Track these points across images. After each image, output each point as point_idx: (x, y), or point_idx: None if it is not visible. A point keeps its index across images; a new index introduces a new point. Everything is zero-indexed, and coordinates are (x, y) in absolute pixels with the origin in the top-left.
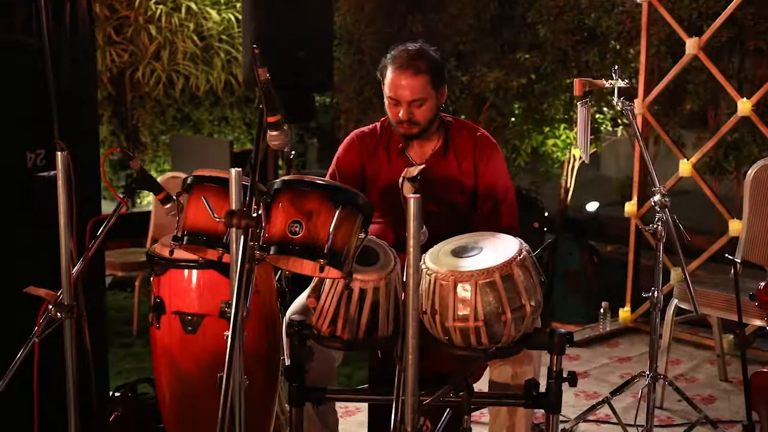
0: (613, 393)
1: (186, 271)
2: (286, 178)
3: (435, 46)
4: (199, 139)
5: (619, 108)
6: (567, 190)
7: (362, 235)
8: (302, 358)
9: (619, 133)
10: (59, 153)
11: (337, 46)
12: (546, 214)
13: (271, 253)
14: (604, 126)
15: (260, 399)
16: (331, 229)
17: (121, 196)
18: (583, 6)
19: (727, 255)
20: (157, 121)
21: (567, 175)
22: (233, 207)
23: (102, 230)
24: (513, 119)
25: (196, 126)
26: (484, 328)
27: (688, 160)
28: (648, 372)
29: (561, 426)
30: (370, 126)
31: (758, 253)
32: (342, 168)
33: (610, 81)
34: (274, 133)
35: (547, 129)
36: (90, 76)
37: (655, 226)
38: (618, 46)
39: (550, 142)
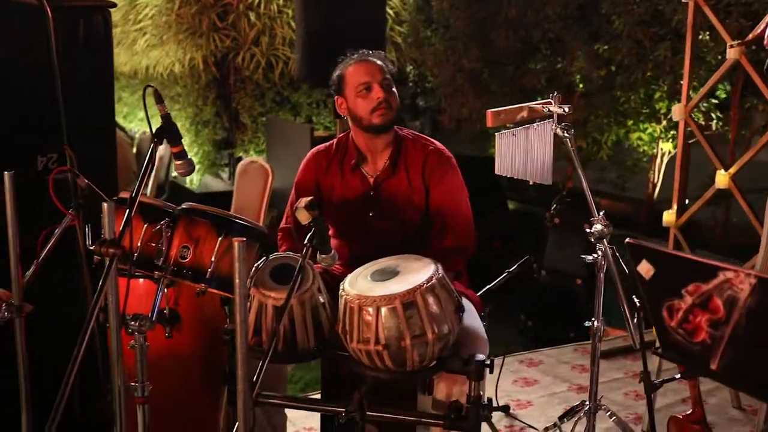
0: (561, 418)
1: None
2: (184, 205)
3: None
4: (287, 122)
5: (560, 133)
6: (654, 186)
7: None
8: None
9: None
10: (6, 174)
11: (434, 31)
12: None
13: (166, 274)
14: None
15: (202, 401)
16: (213, 257)
17: (71, 211)
18: None
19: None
20: (256, 103)
21: (655, 170)
22: (105, 236)
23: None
24: (593, 115)
25: (294, 108)
26: (386, 351)
27: (725, 171)
28: (588, 402)
29: None
30: (327, 144)
31: None
32: (299, 188)
33: (547, 107)
34: (179, 162)
35: (630, 122)
36: (105, 82)
37: (595, 257)
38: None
39: (635, 135)
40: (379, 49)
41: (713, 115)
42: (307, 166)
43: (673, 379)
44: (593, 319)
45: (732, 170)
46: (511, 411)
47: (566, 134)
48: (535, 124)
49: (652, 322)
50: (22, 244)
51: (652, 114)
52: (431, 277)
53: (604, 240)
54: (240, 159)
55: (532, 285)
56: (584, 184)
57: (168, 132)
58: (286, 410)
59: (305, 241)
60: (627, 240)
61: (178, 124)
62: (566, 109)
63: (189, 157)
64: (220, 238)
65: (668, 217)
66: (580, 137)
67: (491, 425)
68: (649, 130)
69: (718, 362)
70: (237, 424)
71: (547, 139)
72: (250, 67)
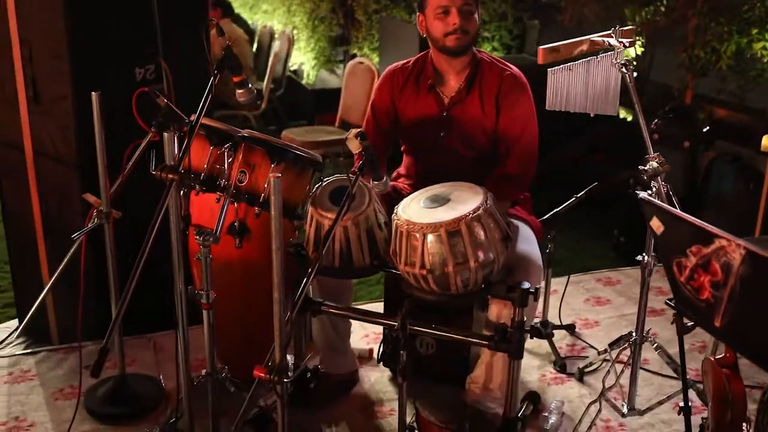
0: (611, 345)
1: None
2: (244, 133)
3: None
4: (398, 21)
5: (619, 68)
6: None
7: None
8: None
9: None
10: (93, 94)
11: None
12: (705, 129)
13: (227, 195)
14: None
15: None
16: (266, 183)
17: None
18: None
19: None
20: (372, 0)
21: None
22: (167, 162)
23: (135, 156)
24: (714, 22)
25: (409, 5)
26: (430, 275)
27: None
28: (635, 333)
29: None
30: (404, 61)
31: None
32: (375, 108)
33: (607, 40)
34: (240, 90)
35: (755, 31)
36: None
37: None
38: None
39: (759, 45)
40: None
41: None
42: (383, 86)
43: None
44: (644, 254)
45: None
46: (576, 330)
47: (625, 70)
48: (598, 57)
49: (667, 273)
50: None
51: None
52: (478, 207)
53: (659, 178)
54: (354, 56)
55: (631, 200)
56: (641, 117)
57: (230, 63)
58: None
59: (356, 169)
60: (640, 196)
61: (297, 20)
62: (627, 43)
63: (250, 86)
64: (273, 166)
65: (767, 141)
66: (698, 45)
67: (551, 343)
68: None
69: (720, 321)
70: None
71: (610, 71)
72: None
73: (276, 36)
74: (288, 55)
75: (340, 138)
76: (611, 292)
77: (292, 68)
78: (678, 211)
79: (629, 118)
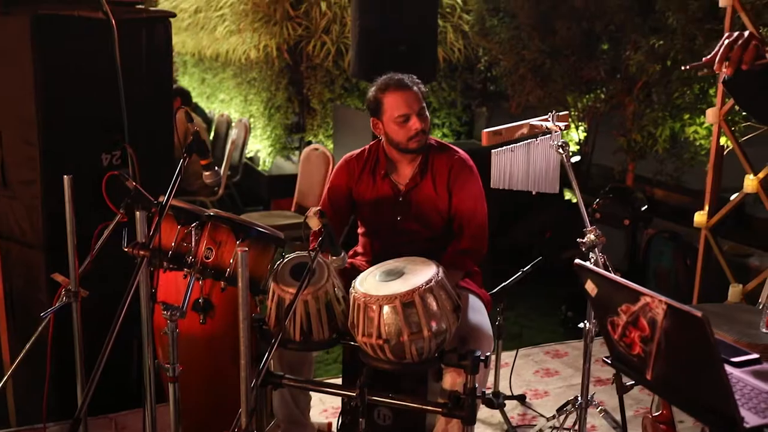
0: (558, 411)
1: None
2: (210, 212)
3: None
4: (351, 110)
5: (556, 151)
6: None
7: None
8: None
9: None
10: (66, 177)
11: (500, 20)
12: (644, 208)
13: (194, 272)
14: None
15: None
16: (233, 258)
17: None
18: None
19: None
20: (326, 90)
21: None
22: (138, 239)
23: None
24: (649, 108)
25: (363, 95)
26: (386, 345)
27: (755, 175)
28: (580, 398)
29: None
30: (359, 151)
31: None
32: (332, 192)
33: (545, 124)
34: (207, 173)
35: (686, 116)
36: (165, 87)
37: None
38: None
39: (690, 129)
40: (430, 46)
41: None
42: (339, 172)
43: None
44: (585, 320)
45: (761, 175)
46: (526, 400)
47: (561, 151)
48: (537, 139)
49: (602, 334)
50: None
51: (708, 108)
52: (431, 279)
53: (596, 249)
54: (310, 143)
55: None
56: (577, 194)
57: (198, 147)
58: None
59: (316, 246)
60: (575, 261)
61: (253, 108)
62: (562, 126)
63: (216, 168)
64: (238, 242)
65: (699, 218)
66: (635, 130)
67: (503, 413)
68: (706, 124)
69: (651, 373)
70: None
71: (550, 152)
72: (321, 54)
73: (233, 124)
74: (245, 143)
75: (297, 222)
76: (559, 364)
77: (248, 155)
78: (608, 273)
79: (574, 200)
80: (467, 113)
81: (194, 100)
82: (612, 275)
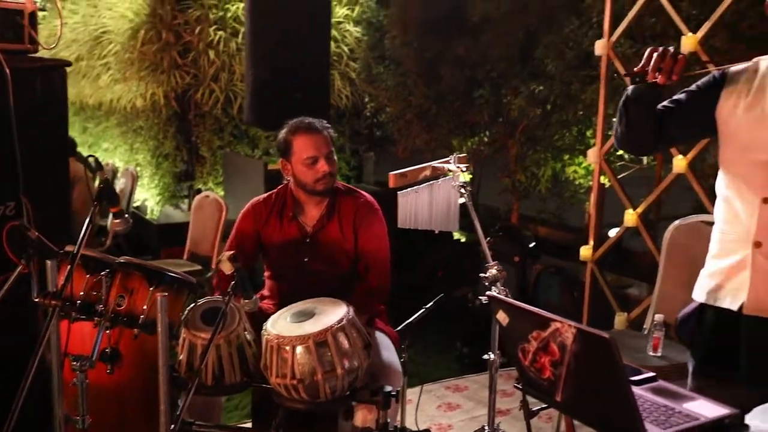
0: None
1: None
2: (121, 259)
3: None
4: (242, 157)
5: (457, 191)
6: (590, 216)
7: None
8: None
9: (644, 160)
10: None
11: (386, 67)
12: (531, 245)
13: (105, 320)
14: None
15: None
16: (145, 305)
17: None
18: (586, 44)
19: None
20: (215, 137)
21: (591, 202)
22: (49, 289)
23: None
24: (531, 150)
25: (253, 141)
26: (300, 385)
27: (634, 210)
28: (486, 427)
29: None
30: (266, 195)
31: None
32: (239, 235)
33: (446, 165)
34: (117, 220)
35: (566, 157)
36: (60, 136)
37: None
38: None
39: (570, 169)
40: (322, 93)
41: None
42: (246, 216)
43: (549, 406)
44: (490, 352)
45: (639, 209)
46: None
47: (462, 191)
48: (439, 181)
49: (511, 360)
50: None
51: (587, 149)
52: (342, 318)
53: (498, 283)
54: (199, 191)
55: (469, 313)
56: (479, 232)
57: (107, 194)
58: None
59: (228, 289)
60: (487, 293)
61: (140, 157)
62: (463, 168)
63: (126, 215)
64: (151, 289)
65: (584, 252)
66: (519, 171)
67: None
68: (584, 164)
69: (561, 395)
70: None
71: (450, 193)
72: (209, 102)
73: (119, 173)
74: (132, 192)
75: (192, 270)
76: (460, 398)
77: (135, 204)
78: (519, 303)
79: (463, 239)
80: (355, 158)
81: (78, 148)
82: (524, 305)
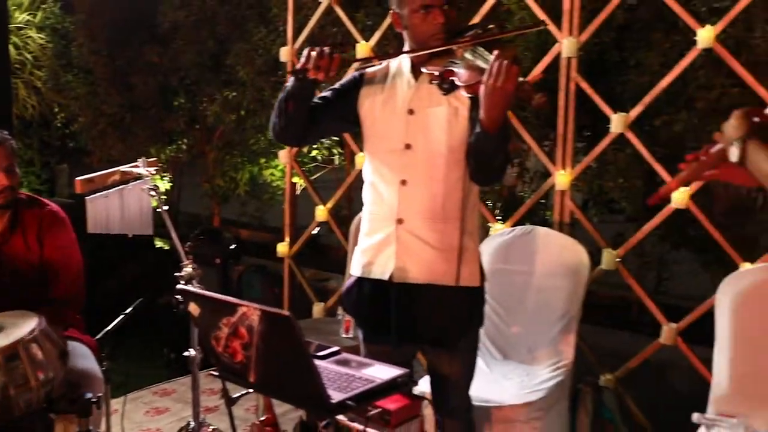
0: None
1: None
2: None
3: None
4: None
5: (148, 193)
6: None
7: None
8: None
9: (336, 161)
10: None
11: (75, 76)
12: (232, 246)
13: None
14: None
15: None
16: None
17: None
18: (274, 51)
19: None
20: None
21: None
22: None
23: None
24: (229, 155)
25: None
26: None
27: (324, 206)
28: (192, 422)
29: None
30: None
31: None
32: None
33: (136, 170)
34: None
35: (263, 160)
36: None
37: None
38: None
39: (267, 172)
40: (4, 103)
41: (335, 151)
42: None
43: (248, 392)
44: (190, 348)
45: (329, 205)
46: None
47: (153, 194)
48: (130, 185)
49: (207, 351)
50: None
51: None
52: (33, 329)
53: (194, 281)
54: None
55: (176, 319)
56: (173, 234)
57: None
58: None
59: None
60: (178, 286)
61: None
62: (153, 171)
63: None
64: None
65: (282, 248)
66: (218, 176)
67: None
68: (280, 166)
69: (254, 376)
70: None
71: (142, 196)
72: None
73: None
74: None
75: None
76: (169, 401)
77: None
78: (207, 292)
79: (166, 246)
80: (46, 171)
81: None
82: (212, 293)
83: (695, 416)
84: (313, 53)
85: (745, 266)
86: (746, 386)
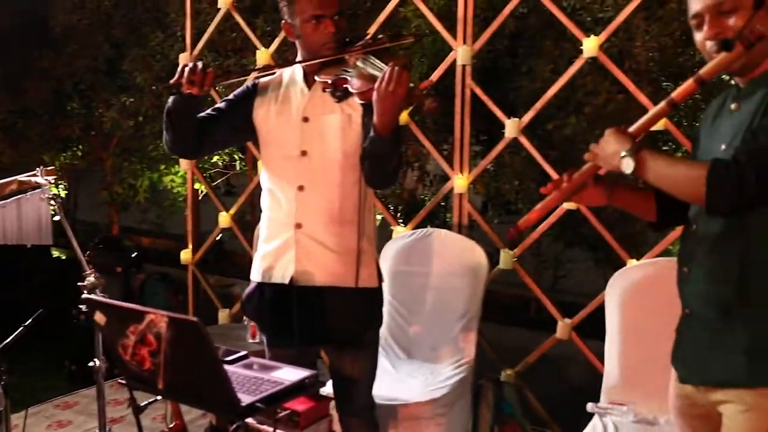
0: None
1: None
2: None
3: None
4: None
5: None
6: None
7: None
8: None
9: (237, 166)
10: None
11: None
12: (133, 255)
13: None
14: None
15: None
16: None
17: None
18: (173, 56)
19: None
20: None
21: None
22: None
23: None
24: (127, 162)
25: None
26: None
27: (227, 212)
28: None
29: None
30: None
31: None
32: None
33: (34, 179)
34: None
35: (162, 167)
36: None
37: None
38: None
39: (167, 179)
40: None
41: (236, 157)
42: None
43: (156, 400)
44: (94, 358)
45: (231, 211)
46: None
47: (53, 202)
48: (27, 195)
49: (114, 360)
50: None
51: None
52: None
53: (97, 291)
54: None
55: (78, 331)
56: (74, 243)
57: None
58: None
59: None
60: (83, 296)
61: None
62: (51, 180)
63: None
64: None
65: (185, 255)
66: (116, 183)
67: None
68: (181, 172)
69: (162, 383)
70: None
71: (40, 206)
72: None
73: None
74: None
75: None
76: (71, 414)
77: None
78: (114, 301)
79: (63, 257)
80: None
81: None
82: (118, 302)
83: (589, 406)
84: (186, 68)
85: (632, 263)
86: (635, 376)
